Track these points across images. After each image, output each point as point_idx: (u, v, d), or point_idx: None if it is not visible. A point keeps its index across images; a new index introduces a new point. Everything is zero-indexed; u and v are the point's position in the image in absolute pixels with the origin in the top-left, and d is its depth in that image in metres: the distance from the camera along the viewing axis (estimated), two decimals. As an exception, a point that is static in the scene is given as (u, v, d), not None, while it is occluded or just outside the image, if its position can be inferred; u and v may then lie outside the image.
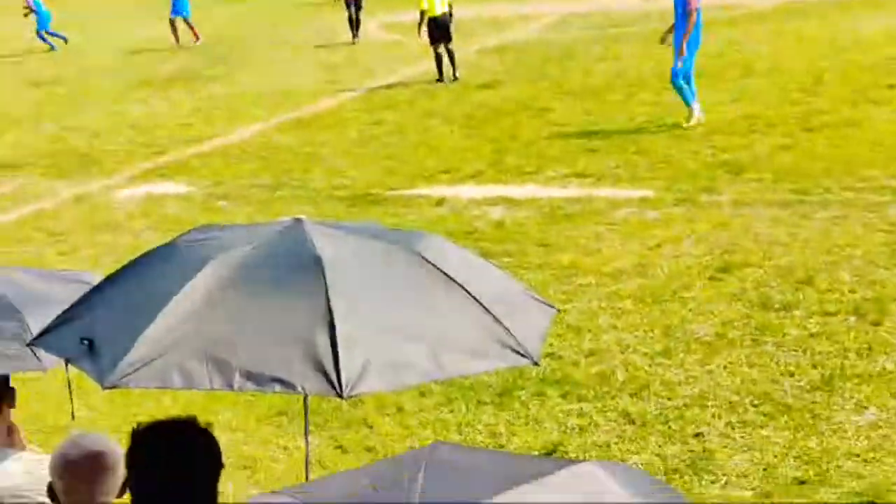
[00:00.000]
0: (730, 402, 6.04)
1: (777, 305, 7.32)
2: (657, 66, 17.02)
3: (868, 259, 8.04)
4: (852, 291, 7.46)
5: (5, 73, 23.89)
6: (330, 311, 3.32)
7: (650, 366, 6.60)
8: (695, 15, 12.64)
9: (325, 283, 3.41)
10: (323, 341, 3.26)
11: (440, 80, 17.49)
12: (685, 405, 6.06)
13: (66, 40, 27.15)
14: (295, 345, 3.30)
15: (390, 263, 3.70)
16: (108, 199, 12.13)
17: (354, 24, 23.96)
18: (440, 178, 11.80)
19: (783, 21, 20.83)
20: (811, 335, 6.83)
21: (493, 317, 3.51)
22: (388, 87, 17.81)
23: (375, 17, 28.12)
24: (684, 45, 12.67)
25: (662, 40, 13.67)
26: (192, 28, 25.92)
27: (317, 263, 3.53)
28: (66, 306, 3.76)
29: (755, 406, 5.98)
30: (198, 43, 25.53)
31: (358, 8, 23.88)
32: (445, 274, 3.61)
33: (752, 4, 23.89)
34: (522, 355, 3.47)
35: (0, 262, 9.70)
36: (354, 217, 10.44)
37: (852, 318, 7.02)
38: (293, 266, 3.59)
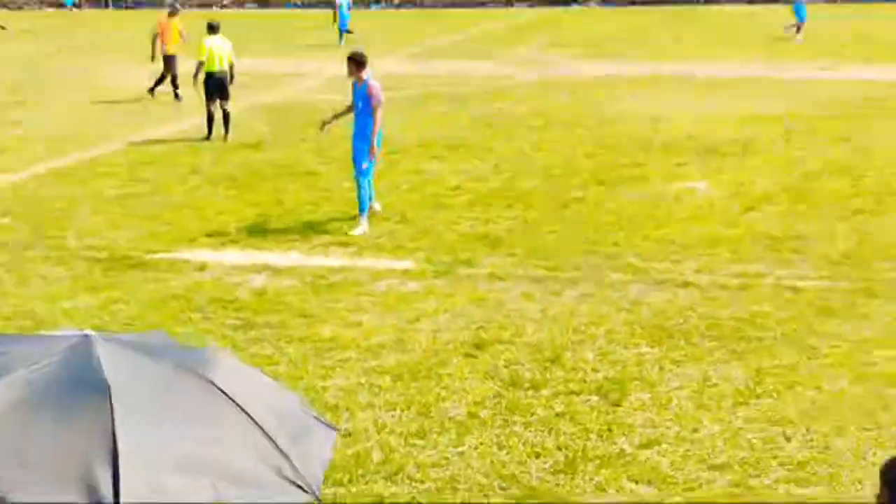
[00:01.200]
0: (479, 485, 6.24)
1: (527, 384, 7.62)
2: (419, 133, 17.52)
3: (610, 338, 8.50)
4: (595, 370, 7.86)
5: None
6: (115, 442, 3.29)
7: (405, 447, 6.73)
8: (380, 109, 11.87)
9: (112, 413, 3.37)
10: (104, 475, 3.22)
11: (207, 138, 17.30)
12: (437, 488, 6.22)
13: None
14: (76, 480, 3.24)
15: (179, 390, 3.68)
16: None
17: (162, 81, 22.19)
18: (203, 241, 11.67)
19: (543, 93, 21.81)
20: (557, 415, 7.14)
21: (279, 449, 3.59)
22: (151, 142, 17.50)
23: (143, 68, 27.65)
24: (374, 141, 11.83)
25: (323, 126, 12.91)
26: None
27: (104, 390, 3.46)
28: None
29: (503, 489, 6.20)
30: None
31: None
32: (233, 401, 3.64)
33: (516, 76, 24.93)
34: (304, 490, 3.55)
35: None
36: (112, 282, 10.20)
37: (595, 398, 7.38)
38: (80, 391, 3.50)
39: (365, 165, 12.00)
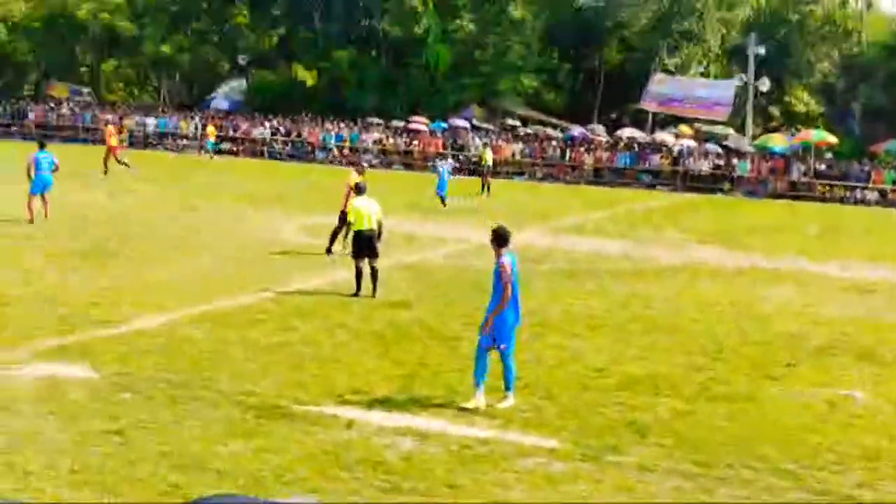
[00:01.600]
0: None
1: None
2: (563, 308, 17.56)
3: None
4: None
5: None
6: None
7: None
8: (509, 289, 11.64)
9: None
10: None
11: (356, 294, 17.65)
12: None
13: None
14: None
15: None
16: (8, 375, 11.82)
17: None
18: (350, 398, 11.79)
19: (687, 280, 21.72)
20: None
21: None
22: (302, 293, 17.92)
23: (294, 219, 28.59)
24: (492, 318, 11.68)
25: None
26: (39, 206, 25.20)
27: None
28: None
29: None
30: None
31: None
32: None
33: (659, 259, 24.93)
34: None
35: None
36: (263, 430, 10.36)
37: None
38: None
39: (503, 347, 11.81)
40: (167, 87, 73.10)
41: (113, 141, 41.52)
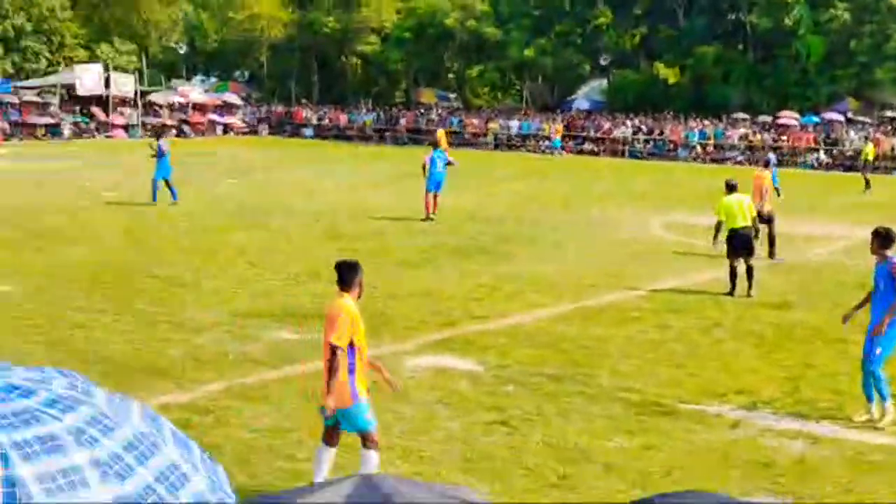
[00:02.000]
0: None
1: None
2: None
3: None
4: None
5: (301, 228, 25.24)
6: None
7: None
8: None
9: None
10: None
11: (730, 293, 17.18)
12: None
13: (165, 198, 28.10)
14: None
15: None
16: (399, 363, 12.41)
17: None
18: (732, 398, 11.47)
19: None
20: None
21: None
22: (674, 290, 17.68)
23: (659, 216, 28.33)
24: (887, 321, 10.62)
25: (845, 319, 11.59)
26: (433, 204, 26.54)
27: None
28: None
29: None
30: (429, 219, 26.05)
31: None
32: None
33: None
34: None
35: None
36: (645, 427, 10.28)
37: None
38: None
39: (878, 351, 10.75)
40: (530, 89, 74.70)
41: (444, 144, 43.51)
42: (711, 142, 57.94)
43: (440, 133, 45.29)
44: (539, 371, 12.29)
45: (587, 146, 61.01)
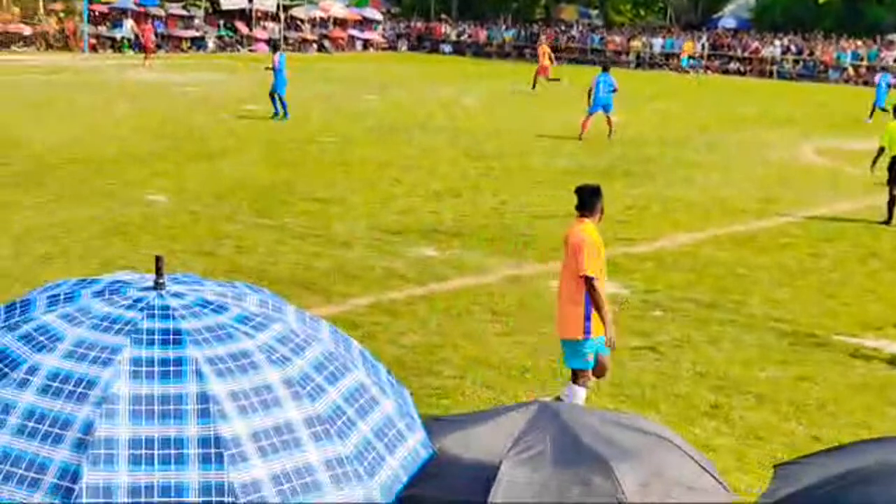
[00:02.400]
0: None
1: None
2: None
3: None
4: None
5: (441, 145, 25.19)
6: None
7: None
8: None
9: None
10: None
11: (887, 222, 16.53)
12: None
13: (286, 115, 27.88)
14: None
15: None
16: (545, 286, 12.32)
17: None
18: (890, 332, 11.07)
19: None
20: None
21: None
22: (827, 218, 17.11)
23: (809, 141, 27.41)
24: None
25: None
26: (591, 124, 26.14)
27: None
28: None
29: None
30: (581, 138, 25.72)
31: None
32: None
33: None
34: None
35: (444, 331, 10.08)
36: (799, 358, 10.00)
37: None
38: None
39: None
40: (674, 6, 72.77)
41: (546, 61, 42.68)
42: (864, 63, 55.64)
43: (542, 49, 44.46)
44: (687, 297, 12.06)
45: (733, 66, 59.30)
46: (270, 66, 28.70)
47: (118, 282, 3.28)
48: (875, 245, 15.23)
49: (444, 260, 13.31)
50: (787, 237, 15.56)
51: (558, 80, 42.58)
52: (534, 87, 41.40)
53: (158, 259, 3.29)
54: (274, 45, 37.34)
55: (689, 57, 58.64)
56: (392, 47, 70.79)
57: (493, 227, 15.39)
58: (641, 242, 14.85)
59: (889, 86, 36.19)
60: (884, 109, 32.54)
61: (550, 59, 43.33)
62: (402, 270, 12.71)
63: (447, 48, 70.24)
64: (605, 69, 27.17)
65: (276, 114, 28.00)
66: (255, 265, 12.59)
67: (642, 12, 76.54)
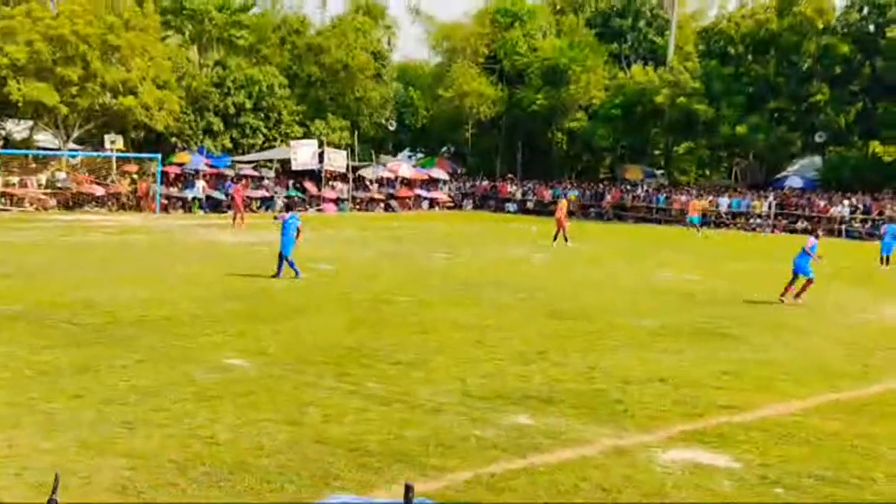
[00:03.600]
0: None
1: None
2: None
3: None
4: None
5: (517, 304, 24.72)
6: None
7: None
8: None
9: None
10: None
11: None
12: None
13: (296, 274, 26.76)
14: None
15: None
16: (650, 458, 11.56)
17: None
18: None
19: None
20: None
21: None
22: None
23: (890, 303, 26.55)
24: None
25: None
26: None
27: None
28: None
29: None
30: None
31: None
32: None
33: None
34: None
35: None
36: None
37: None
38: None
39: None
40: (739, 166, 72.80)
41: (562, 214, 42.80)
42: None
43: (562, 203, 44.63)
44: (806, 471, 11.20)
45: (800, 224, 58.72)
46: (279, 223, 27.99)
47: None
48: None
49: (539, 429, 12.59)
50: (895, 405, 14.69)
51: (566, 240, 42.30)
52: (555, 239, 42.11)
53: (408, 488, 2.74)
54: (288, 205, 37.32)
55: (703, 214, 58.54)
56: (458, 206, 71.39)
57: (586, 394, 14.68)
58: (744, 410, 14.01)
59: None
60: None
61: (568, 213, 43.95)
62: (497, 440, 12.00)
63: (512, 207, 70.63)
64: (814, 234, 27.39)
65: (275, 275, 26.90)
66: (344, 436, 11.96)
67: (707, 172, 76.64)
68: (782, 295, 25.74)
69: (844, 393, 15.43)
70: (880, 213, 56.37)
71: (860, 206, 57.81)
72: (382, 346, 17.66)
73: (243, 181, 59.48)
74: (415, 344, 18.06)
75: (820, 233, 28.53)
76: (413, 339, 18.61)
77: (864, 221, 57.11)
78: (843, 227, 57.02)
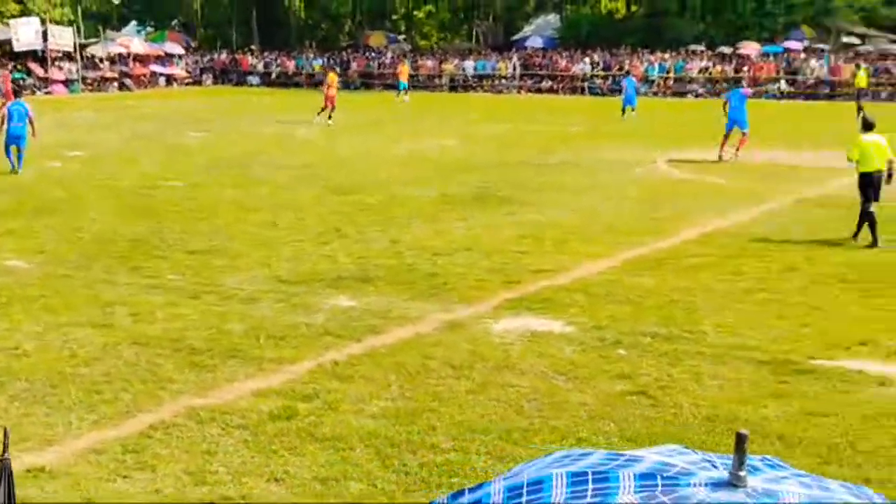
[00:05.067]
0: None
1: None
2: None
3: None
4: None
5: (295, 181, 24.03)
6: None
7: None
8: None
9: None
10: None
11: (854, 237, 15.98)
12: None
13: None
14: None
15: None
16: (486, 330, 11.35)
17: None
18: (860, 351, 10.59)
19: None
20: None
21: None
22: (721, 232, 16.85)
23: (655, 154, 27.51)
24: None
25: None
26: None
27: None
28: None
29: None
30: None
31: None
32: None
33: None
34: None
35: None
36: (791, 388, 9.36)
37: None
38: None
39: None
40: (481, 28, 73.29)
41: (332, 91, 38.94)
42: (671, 76, 57.20)
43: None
44: (640, 330, 11.28)
45: (545, 84, 59.98)
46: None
47: (669, 466, 2.19)
48: (786, 258, 14.94)
49: (366, 310, 12.13)
50: (696, 257, 15.08)
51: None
52: (329, 117, 38.00)
53: (741, 438, 2.20)
54: (16, 89, 32.99)
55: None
56: (197, 82, 68.70)
57: (399, 269, 14.31)
58: (556, 273, 14.05)
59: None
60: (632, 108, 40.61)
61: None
62: (327, 325, 11.47)
63: (255, 80, 68.63)
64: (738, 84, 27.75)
65: (14, 170, 23.85)
66: (162, 334, 11.11)
67: (448, 36, 76.77)
68: (721, 151, 26.31)
69: (644, 248, 15.74)
70: (620, 69, 58.22)
71: (600, 62, 59.48)
72: (169, 235, 16.62)
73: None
74: (204, 230, 17.12)
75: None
76: (200, 225, 17.64)
77: (605, 78, 58.86)
78: (586, 84, 58.63)
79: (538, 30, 71.55)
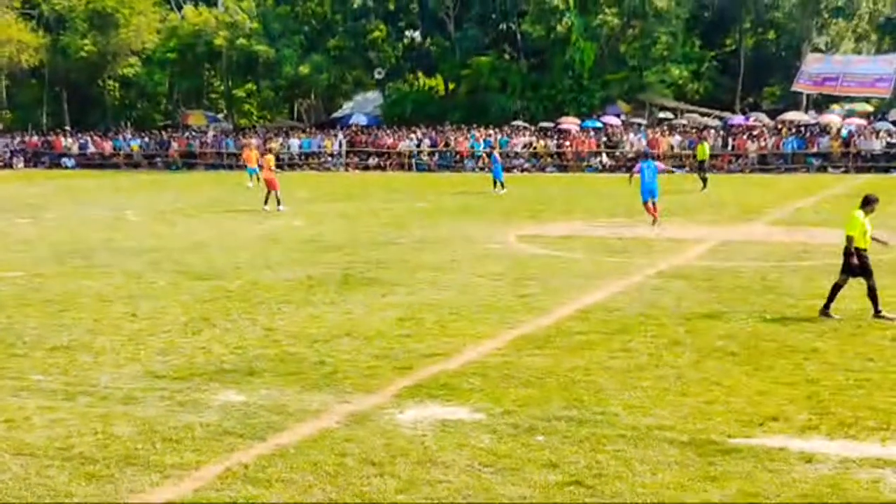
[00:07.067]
0: None
1: None
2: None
3: None
4: None
5: (148, 268, 23.06)
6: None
7: None
8: None
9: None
10: None
11: (825, 309, 15.95)
12: None
13: None
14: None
15: None
16: (393, 421, 10.86)
17: None
18: (774, 426, 10.56)
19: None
20: None
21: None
22: (596, 307, 16.86)
23: (503, 230, 27.64)
24: None
25: None
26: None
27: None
28: None
29: None
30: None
31: None
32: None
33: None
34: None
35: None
36: (721, 471, 9.21)
37: None
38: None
39: None
40: (302, 106, 73.05)
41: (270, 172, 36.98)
42: (497, 150, 58.11)
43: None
44: (552, 414, 10.99)
45: (372, 161, 60.05)
46: None
47: None
48: (668, 333, 14.97)
49: (261, 405, 11.46)
50: (581, 334, 14.96)
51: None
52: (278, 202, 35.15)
53: None
54: None
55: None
56: (8, 165, 65.93)
57: (282, 358, 13.67)
58: (446, 356, 13.68)
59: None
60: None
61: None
62: (224, 425, 10.75)
63: (69, 162, 66.37)
64: (646, 156, 29.37)
65: None
66: (47, 443, 10.19)
67: (268, 115, 76.22)
68: (654, 223, 27.21)
69: (526, 326, 15.56)
70: (446, 145, 58.84)
71: (426, 139, 59.95)
72: (25, 331, 15.54)
73: None
74: (60, 324, 16.06)
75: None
76: (54, 319, 16.56)
77: (431, 154, 59.30)
78: (413, 160, 58.93)
79: (359, 107, 71.90)
